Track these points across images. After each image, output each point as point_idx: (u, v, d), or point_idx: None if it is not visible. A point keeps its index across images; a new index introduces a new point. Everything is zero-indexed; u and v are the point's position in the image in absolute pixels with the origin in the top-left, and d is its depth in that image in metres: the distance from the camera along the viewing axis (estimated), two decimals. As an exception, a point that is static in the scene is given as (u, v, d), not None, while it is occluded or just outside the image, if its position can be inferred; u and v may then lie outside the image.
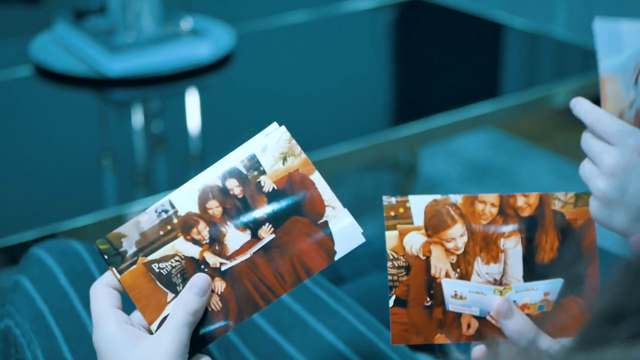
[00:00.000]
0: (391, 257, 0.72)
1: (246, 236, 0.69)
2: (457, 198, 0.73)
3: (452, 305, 0.72)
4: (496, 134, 2.50)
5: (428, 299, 0.72)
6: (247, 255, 0.69)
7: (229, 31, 1.87)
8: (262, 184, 0.70)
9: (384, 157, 2.12)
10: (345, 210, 0.69)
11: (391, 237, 0.72)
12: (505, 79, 1.90)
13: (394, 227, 0.72)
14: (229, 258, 0.69)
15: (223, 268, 0.69)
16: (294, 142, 0.71)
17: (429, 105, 1.71)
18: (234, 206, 0.70)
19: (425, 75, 1.91)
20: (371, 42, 2.07)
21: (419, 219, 0.72)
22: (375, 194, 2.19)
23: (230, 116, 1.63)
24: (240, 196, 0.70)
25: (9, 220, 1.30)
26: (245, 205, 0.70)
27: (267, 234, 0.69)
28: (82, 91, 1.69)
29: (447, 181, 2.26)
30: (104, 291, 0.67)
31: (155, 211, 0.70)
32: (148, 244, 0.69)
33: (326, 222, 0.69)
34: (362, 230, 0.69)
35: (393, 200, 0.73)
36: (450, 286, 0.72)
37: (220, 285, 0.69)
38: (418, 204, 0.73)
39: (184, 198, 0.70)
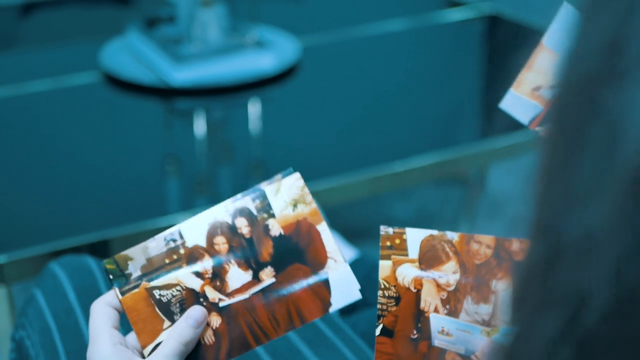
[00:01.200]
0: (382, 286, 0.72)
1: (247, 276, 0.71)
2: (453, 235, 0.73)
3: (438, 341, 0.72)
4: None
5: (415, 332, 0.72)
6: (245, 295, 0.71)
7: (294, 43, 1.88)
8: (270, 228, 0.72)
9: (454, 173, 2.10)
10: (346, 264, 0.71)
11: (384, 267, 0.72)
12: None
13: (388, 257, 0.73)
14: (228, 295, 0.71)
15: (221, 304, 0.71)
16: (306, 190, 0.72)
17: (502, 122, 1.68)
18: (240, 245, 0.72)
19: (501, 90, 1.88)
20: (444, 56, 2.05)
21: (414, 251, 0.73)
22: (440, 209, 2.17)
23: (292, 128, 1.64)
24: (247, 236, 0.72)
25: (69, 223, 1.34)
26: (251, 245, 0.72)
27: (268, 277, 0.71)
28: (146, 99, 1.73)
29: (513, 201, 2.22)
30: (104, 310, 0.69)
31: (164, 239, 0.72)
32: (153, 270, 0.72)
33: (326, 273, 0.71)
34: (359, 287, 0.71)
35: (390, 230, 0.73)
36: (438, 321, 0.72)
37: (216, 320, 0.71)
38: (414, 237, 0.73)
39: (194, 230, 0.72)
